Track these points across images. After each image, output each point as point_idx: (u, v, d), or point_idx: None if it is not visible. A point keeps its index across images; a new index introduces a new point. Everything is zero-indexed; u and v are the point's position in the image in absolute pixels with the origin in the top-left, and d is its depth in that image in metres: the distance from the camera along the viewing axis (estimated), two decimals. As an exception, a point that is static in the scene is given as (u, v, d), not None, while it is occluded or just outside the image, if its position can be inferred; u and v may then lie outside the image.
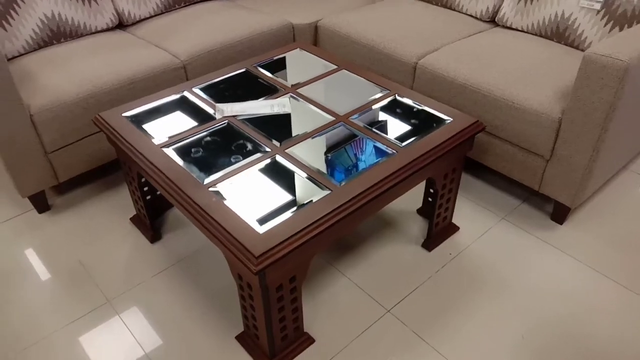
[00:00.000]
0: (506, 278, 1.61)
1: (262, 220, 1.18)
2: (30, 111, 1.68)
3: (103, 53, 1.97)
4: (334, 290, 1.59)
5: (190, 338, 1.45)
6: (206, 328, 1.48)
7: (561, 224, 1.81)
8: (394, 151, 1.40)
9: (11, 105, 1.62)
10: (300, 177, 1.32)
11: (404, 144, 1.43)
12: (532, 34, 2.06)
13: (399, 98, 1.65)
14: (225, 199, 1.24)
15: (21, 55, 1.98)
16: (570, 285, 1.59)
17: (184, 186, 1.28)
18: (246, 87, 1.72)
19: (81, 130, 1.81)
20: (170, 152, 1.41)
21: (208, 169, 1.35)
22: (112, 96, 1.83)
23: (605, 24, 1.82)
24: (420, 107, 1.59)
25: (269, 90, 1.69)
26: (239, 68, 1.83)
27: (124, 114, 1.57)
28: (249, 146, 1.43)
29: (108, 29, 2.21)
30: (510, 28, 2.14)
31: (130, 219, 1.86)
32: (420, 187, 1.99)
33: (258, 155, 1.40)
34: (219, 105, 1.60)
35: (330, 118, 1.55)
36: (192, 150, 1.42)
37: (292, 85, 1.71)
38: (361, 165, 1.35)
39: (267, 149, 1.42)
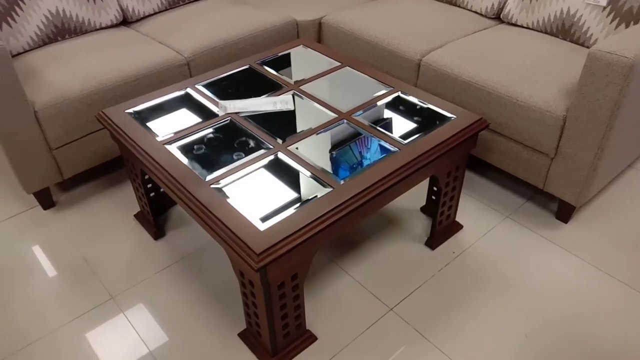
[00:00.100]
0: (510, 277, 1.61)
1: (264, 218, 1.18)
2: (35, 108, 1.69)
3: (107, 49, 1.97)
4: (336, 288, 1.58)
5: (193, 335, 1.46)
6: (209, 325, 1.48)
7: (566, 222, 1.80)
8: (396, 148, 1.39)
9: (16, 101, 1.62)
10: (302, 174, 1.32)
11: (406, 141, 1.42)
12: (538, 31, 2.04)
13: (402, 95, 1.64)
14: (227, 196, 1.24)
15: (26, 51, 1.99)
16: (574, 285, 1.58)
17: (186, 183, 1.28)
18: (249, 83, 1.71)
19: (85, 127, 1.81)
20: (172, 149, 1.41)
21: (210, 166, 1.35)
22: (116, 93, 1.84)
23: (611, 21, 1.80)
24: (423, 105, 1.59)
25: (272, 87, 1.69)
26: (242, 65, 1.83)
27: (127, 111, 1.58)
28: (252, 143, 1.43)
29: (112, 26, 2.21)
30: (515, 25, 2.12)
31: (134, 215, 1.86)
32: (424, 184, 1.98)
33: (260, 152, 1.39)
34: (222, 102, 1.59)
35: (333, 115, 1.54)
36: (195, 147, 1.42)
37: (295, 82, 1.71)
38: (364, 163, 1.34)
39: (270, 146, 1.41)
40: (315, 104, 1.60)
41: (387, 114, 1.55)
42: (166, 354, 1.41)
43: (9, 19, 1.90)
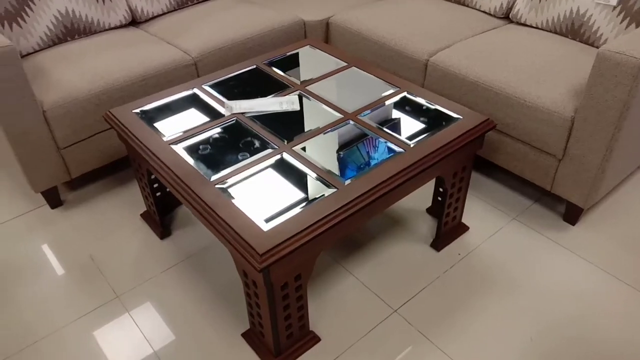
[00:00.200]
0: (516, 279, 1.59)
1: (268, 218, 1.18)
2: (43, 107, 1.70)
3: (116, 50, 1.98)
4: (340, 288, 1.58)
5: (197, 335, 1.46)
6: (213, 325, 1.49)
7: (573, 224, 1.78)
8: (402, 149, 1.39)
9: (25, 101, 1.64)
10: (306, 174, 1.32)
11: (412, 142, 1.41)
12: (547, 31, 2.02)
13: (408, 96, 1.63)
14: (231, 197, 1.25)
15: (36, 52, 2.01)
16: (581, 287, 1.56)
17: (191, 183, 1.28)
18: (256, 84, 1.72)
19: (93, 127, 1.83)
20: (178, 149, 1.42)
21: (215, 166, 1.35)
22: (124, 92, 1.85)
23: (622, 21, 1.78)
24: (429, 105, 1.58)
25: (278, 87, 1.69)
26: (249, 65, 1.83)
27: (134, 111, 1.58)
28: (257, 143, 1.43)
29: (121, 26, 2.23)
30: (524, 25, 2.10)
31: (141, 215, 1.87)
32: (430, 185, 1.97)
33: (265, 152, 1.40)
34: (228, 102, 1.60)
35: (339, 116, 1.54)
36: (200, 147, 1.43)
37: (301, 83, 1.71)
38: (369, 163, 1.34)
39: (275, 146, 1.41)
40: (321, 104, 1.60)
41: (393, 114, 1.54)
42: (170, 354, 1.42)
43: (19, 19, 1.92)
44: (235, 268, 1.66)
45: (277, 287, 1.20)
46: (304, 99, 1.62)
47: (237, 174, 1.32)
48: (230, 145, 1.43)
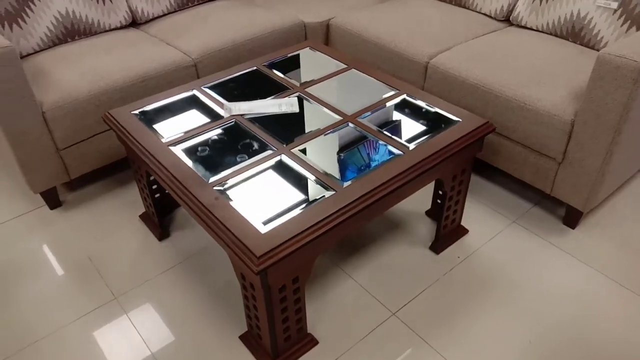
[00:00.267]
0: (515, 282, 1.59)
1: (265, 220, 1.18)
2: (43, 108, 1.70)
3: (116, 51, 1.98)
4: (339, 291, 1.58)
5: (195, 337, 1.46)
6: (211, 327, 1.48)
7: (573, 228, 1.77)
8: (401, 152, 1.38)
9: (24, 102, 1.64)
10: (305, 177, 1.31)
11: (411, 144, 1.41)
12: (547, 34, 2.02)
13: (408, 98, 1.63)
14: (229, 199, 1.24)
15: (36, 52, 2.01)
16: (580, 291, 1.56)
17: (189, 185, 1.28)
18: (255, 85, 1.71)
19: (92, 128, 1.82)
20: (177, 150, 1.42)
21: (214, 168, 1.35)
22: (124, 94, 1.85)
23: (622, 24, 1.78)
24: (429, 108, 1.57)
25: (277, 89, 1.69)
26: (248, 67, 1.83)
27: (133, 112, 1.58)
28: (255, 145, 1.43)
29: (122, 27, 2.23)
30: (524, 27, 2.10)
31: (140, 216, 1.87)
32: (430, 188, 1.97)
33: (264, 154, 1.39)
34: (227, 104, 1.60)
35: (338, 118, 1.53)
36: (199, 148, 1.43)
37: (300, 85, 1.71)
38: (367, 166, 1.34)
39: (273, 149, 1.41)
40: (321, 107, 1.59)
41: (393, 116, 1.54)
42: (168, 356, 1.41)
43: (19, 20, 1.92)
44: (233, 270, 1.66)
45: (275, 290, 1.20)
46: (304, 101, 1.62)
47: (235, 175, 1.32)
48: (229, 147, 1.43)
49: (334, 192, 1.25)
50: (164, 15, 2.33)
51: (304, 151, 1.40)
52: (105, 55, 1.95)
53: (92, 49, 2.01)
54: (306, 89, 1.68)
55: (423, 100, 1.61)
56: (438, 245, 1.70)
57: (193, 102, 1.64)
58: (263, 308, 1.23)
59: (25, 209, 1.93)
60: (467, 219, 1.82)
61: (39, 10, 1.96)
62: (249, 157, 1.39)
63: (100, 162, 1.91)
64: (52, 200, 1.91)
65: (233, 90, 1.69)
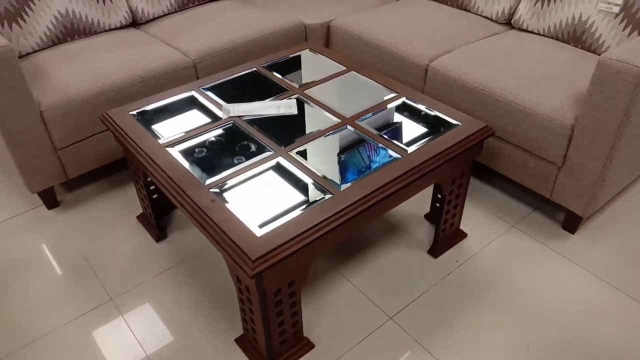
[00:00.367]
0: (514, 287, 1.58)
1: (261, 223, 1.17)
2: (41, 108, 1.70)
3: (115, 51, 1.98)
4: (336, 294, 1.57)
5: (191, 339, 1.45)
6: (207, 329, 1.47)
7: (573, 233, 1.76)
8: (399, 155, 1.37)
9: (22, 102, 1.63)
10: (302, 180, 1.30)
11: (410, 148, 1.40)
12: (549, 37, 2.01)
13: (407, 101, 1.62)
14: (225, 201, 1.23)
15: (35, 51, 2.00)
16: (580, 297, 1.54)
17: (185, 186, 1.27)
18: (254, 87, 1.71)
19: (91, 128, 1.82)
20: (174, 151, 1.41)
21: (210, 170, 1.34)
22: (122, 94, 1.84)
23: (624, 28, 1.77)
24: (428, 111, 1.57)
25: (276, 91, 1.68)
26: (248, 68, 1.82)
27: (130, 112, 1.58)
28: (253, 147, 1.42)
29: (121, 27, 2.22)
30: (526, 31, 2.09)
31: (137, 217, 1.86)
32: (429, 191, 1.96)
33: (261, 156, 1.38)
34: (226, 105, 1.59)
35: (336, 120, 1.53)
36: (196, 150, 1.42)
37: (299, 86, 1.70)
38: (365, 169, 1.33)
39: (271, 151, 1.40)
40: (319, 109, 1.58)
41: (392, 119, 1.53)
42: (163, 358, 1.40)
43: (19, 19, 1.92)
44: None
45: (270, 293, 1.19)
46: (302, 103, 1.61)
47: (232, 178, 1.31)
48: (226, 149, 1.42)
49: (331, 195, 1.24)
50: (165, 15, 2.33)
51: (301, 153, 1.39)
52: (104, 55, 1.94)
53: (92, 48, 2.00)
54: (305, 91, 1.67)
55: (422, 103, 1.60)
56: (436, 249, 1.69)
57: (191, 103, 1.63)
58: (258, 311, 1.23)
59: (22, 209, 1.92)
60: (466, 223, 1.81)
61: (38, 10, 1.96)
62: (246, 159, 1.38)
63: (98, 162, 1.90)
64: (50, 200, 1.90)
65: (232, 92, 1.68)
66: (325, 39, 2.39)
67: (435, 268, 1.65)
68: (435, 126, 1.49)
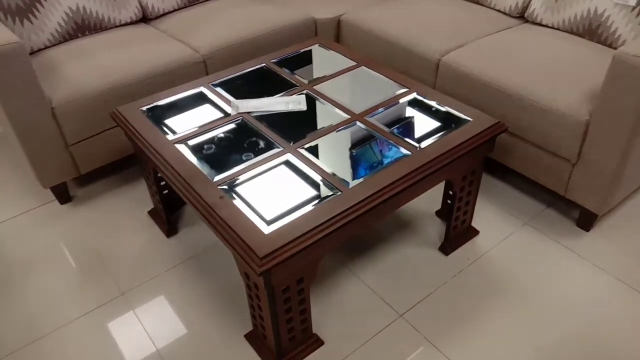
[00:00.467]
0: (526, 286, 1.55)
1: (269, 221, 1.16)
2: (52, 104, 1.71)
3: (125, 46, 1.98)
4: (345, 291, 1.56)
5: (201, 334, 1.45)
6: (217, 325, 1.48)
7: (587, 231, 1.73)
8: (409, 152, 1.36)
9: (33, 98, 1.64)
10: (310, 177, 1.30)
11: (420, 144, 1.38)
12: (563, 31, 1.97)
13: (417, 97, 1.60)
14: (233, 197, 1.23)
15: (46, 47, 2.02)
16: (594, 296, 1.52)
17: (194, 183, 1.27)
18: (263, 83, 1.70)
19: (102, 123, 1.83)
20: (183, 148, 1.41)
21: (219, 166, 1.33)
22: (132, 90, 1.85)
23: (642, 21, 1.72)
24: (439, 107, 1.54)
25: (285, 87, 1.67)
26: (257, 63, 1.81)
27: (140, 108, 1.58)
28: (262, 144, 1.42)
29: (132, 23, 2.22)
30: (539, 24, 2.05)
31: (148, 212, 1.87)
32: (440, 187, 1.94)
33: (270, 153, 1.38)
34: (235, 101, 1.58)
35: (346, 116, 1.51)
36: (205, 146, 1.41)
37: (309, 82, 1.69)
38: (374, 166, 1.31)
39: (280, 147, 1.40)
40: (328, 105, 1.57)
41: (402, 115, 1.51)
42: (173, 352, 1.41)
43: (30, 15, 1.93)
44: (240, 268, 1.65)
45: (279, 291, 1.19)
46: (311, 99, 1.60)
47: (241, 174, 1.31)
48: (235, 145, 1.41)
49: (339, 193, 1.23)
50: (175, 10, 2.33)
51: (310, 150, 1.38)
52: (114, 51, 1.95)
53: (102, 44, 2.01)
54: (314, 87, 1.66)
55: (433, 99, 1.58)
56: (447, 246, 1.67)
57: (201, 99, 1.63)
58: (267, 308, 1.22)
59: (35, 204, 1.94)
60: (478, 220, 1.79)
61: (49, 6, 1.97)
62: (255, 156, 1.37)
63: (109, 157, 1.91)
64: (62, 195, 1.92)
65: (241, 87, 1.68)
66: (336, 34, 2.37)
67: (446, 265, 1.63)
68: (446, 122, 1.47)
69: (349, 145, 1.40)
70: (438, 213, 1.82)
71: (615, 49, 1.83)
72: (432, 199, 1.88)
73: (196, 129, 1.48)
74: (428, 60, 1.94)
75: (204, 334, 1.46)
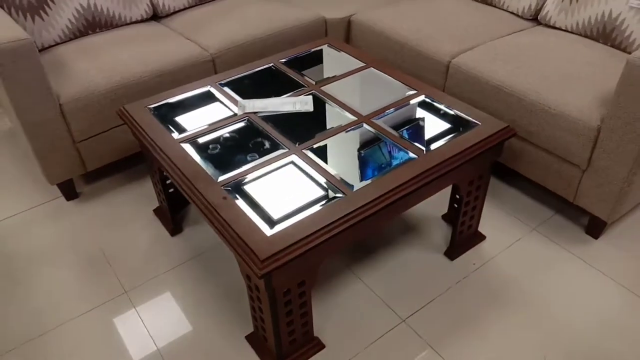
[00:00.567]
0: (532, 294, 1.53)
1: (272, 223, 1.15)
2: (60, 101, 1.71)
3: (135, 44, 1.98)
4: (348, 295, 1.55)
5: (202, 335, 1.45)
6: (218, 325, 1.47)
7: (596, 238, 1.70)
8: (415, 155, 1.34)
9: (41, 94, 1.65)
10: (315, 179, 1.28)
11: (426, 148, 1.37)
12: (577, 34, 1.94)
13: (425, 99, 1.58)
14: (237, 198, 1.22)
15: (57, 44, 2.02)
16: (601, 306, 1.49)
17: (198, 183, 1.27)
18: (271, 83, 1.69)
19: (109, 121, 1.83)
20: (188, 147, 1.40)
21: (223, 167, 1.33)
22: (140, 87, 1.85)
23: (657, 26, 1.69)
24: (447, 110, 1.52)
25: (293, 87, 1.66)
26: (265, 63, 1.81)
27: (147, 107, 1.58)
28: (267, 144, 1.41)
29: (142, 20, 2.23)
30: (553, 27, 2.02)
31: (154, 210, 1.87)
32: (447, 190, 1.92)
33: (274, 154, 1.37)
34: (241, 101, 1.58)
35: (352, 118, 1.50)
36: (210, 146, 1.41)
37: (316, 83, 1.67)
38: (380, 169, 1.30)
39: (285, 148, 1.39)
40: (335, 106, 1.56)
41: (409, 118, 1.50)
42: (173, 352, 1.41)
43: (41, 12, 1.94)
44: (243, 268, 1.64)
45: (280, 293, 1.18)
46: (318, 100, 1.59)
47: (245, 175, 1.30)
48: (240, 146, 1.41)
49: (343, 196, 1.22)
50: (185, 9, 2.33)
51: (315, 152, 1.37)
52: (124, 49, 1.95)
53: (112, 42, 2.01)
54: (322, 88, 1.65)
55: (442, 102, 1.56)
56: (453, 251, 1.65)
57: (208, 98, 1.63)
58: (268, 311, 1.21)
59: (41, 200, 1.95)
60: (485, 225, 1.77)
61: (60, 3, 1.97)
62: (260, 157, 1.36)
63: (116, 155, 1.92)
64: (69, 191, 1.93)
65: (248, 87, 1.67)
66: (346, 34, 2.36)
67: (451, 271, 1.61)
68: (454, 126, 1.45)
69: (355, 148, 1.38)
70: (444, 217, 1.80)
71: (630, 53, 1.80)
72: (438, 202, 1.86)
73: (202, 128, 1.48)
74: (438, 62, 1.92)
75: (204, 334, 1.45)
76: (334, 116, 1.51)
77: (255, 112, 1.53)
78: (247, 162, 1.35)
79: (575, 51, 1.81)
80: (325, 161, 1.34)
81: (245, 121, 1.51)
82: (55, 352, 1.42)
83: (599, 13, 1.84)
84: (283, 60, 1.83)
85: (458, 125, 1.45)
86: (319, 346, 1.40)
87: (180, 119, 1.52)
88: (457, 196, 1.67)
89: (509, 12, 2.17)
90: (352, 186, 1.24)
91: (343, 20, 2.30)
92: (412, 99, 1.58)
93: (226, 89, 1.67)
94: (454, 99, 1.57)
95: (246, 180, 1.29)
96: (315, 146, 1.39)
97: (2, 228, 1.83)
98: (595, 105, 1.53)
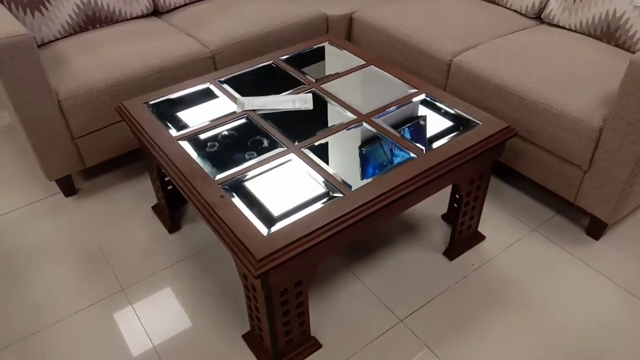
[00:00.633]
0: (532, 295, 1.52)
1: (269, 222, 1.15)
2: (59, 96, 1.70)
3: (135, 40, 1.97)
4: (346, 294, 1.54)
5: (199, 333, 1.45)
6: (215, 324, 1.47)
7: (597, 239, 1.69)
8: (415, 155, 1.33)
9: (40, 90, 1.64)
10: (313, 178, 1.27)
11: (427, 147, 1.35)
12: (580, 33, 1.92)
13: (426, 98, 1.57)
14: (234, 197, 1.21)
15: (57, 39, 2.01)
16: (601, 307, 1.48)
17: (195, 181, 1.26)
18: (271, 80, 1.68)
19: (108, 117, 1.82)
20: (186, 145, 1.40)
21: (221, 165, 1.32)
22: (140, 84, 1.84)
23: (662, 26, 1.67)
24: (448, 109, 1.51)
25: (293, 85, 1.65)
26: (265, 60, 1.79)
27: (145, 104, 1.57)
28: (265, 142, 1.40)
29: (143, 16, 2.22)
30: (556, 26, 2.00)
31: (152, 207, 1.87)
32: (447, 190, 1.90)
33: (273, 152, 1.36)
34: (240, 99, 1.57)
35: (352, 117, 1.49)
36: (208, 144, 1.40)
37: (316, 80, 1.66)
38: (379, 169, 1.29)
39: (283, 147, 1.38)
40: (335, 104, 1.55)
41: (409, 117, 1.48)
42: (169, 350, 1.40)
43: (41, 7, 1.93)
44: (241, 267, 1.64)
45: (276, 293, 1.17)
46: (318, 98, 1.58)
47: (243, 174, 1.29)
48: (239, 144, 1.40)
49: (342, 196, 1.21)
50: (186, 4, 2.31)
51: (314, 150, 1.36)
52: (124, 45, 1.94)
53: (112, 37, 2.00)
54: (322, 85, 1.64)
55: (442, 101, 1.55)
56: (452, 251, 1.64)
57: (207, 95, 1.61)
58: (264, 310, 1.21)
59: (40, 196, 1.94)
60: (485, 225, 1.76)
61: (61, -2, 1.97)
62: (258, 155, 1.35)
63: (115, 151, 1.91)
64: (67, 188, 1.92)
65: (248, 84, 1.66)
66: (347, 31, 2.34)
67: (450, 271, 1.60)
68: (454, 125, 1.44)
69: (354, 147, 1.37)
70: (444, 217, 1.79)
71: (634, 53, 1.78)
72: (438, 202, 1.85)
73: (200, 125, 1.47)
74: (440, 60, 1.91)
75: (201, 332, 1.45)
76: (334, 114, 1.50)
77: (254, 110, 1.52)
78: (245, 160, 1.34)
79: (578, 50, 1.79)
80: (325, 160, 1.33)
81: (244, 119, 1.50)
82: (52, 349, 1.42)
83: (603, 12, 1.82)
84: (283, 57, 1.81)
85: (459, 124, 1.44)
86: (316, 346, 1.39)
87: (179, 117, 1.51)
88: (457, 196, 1.66)
89: (512, 10, 2.16)
90: (351, 185, 1.23)
91: (344, 17, 2.28)
92: (412, 97, 1.57)
93: (225, 86, 1.65)
94: (455, 98, 1.55)
95: (244, 178, 1.28)
96: (314, 145, 1.38)
97: (1, 224, 1.83)
98: (598, 106, 1.52)
